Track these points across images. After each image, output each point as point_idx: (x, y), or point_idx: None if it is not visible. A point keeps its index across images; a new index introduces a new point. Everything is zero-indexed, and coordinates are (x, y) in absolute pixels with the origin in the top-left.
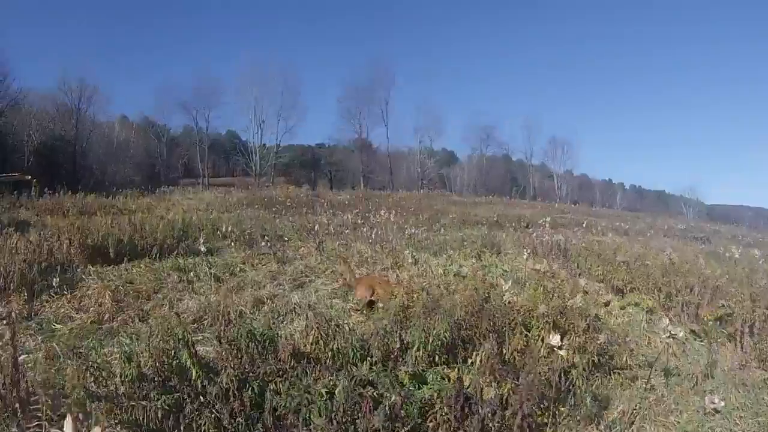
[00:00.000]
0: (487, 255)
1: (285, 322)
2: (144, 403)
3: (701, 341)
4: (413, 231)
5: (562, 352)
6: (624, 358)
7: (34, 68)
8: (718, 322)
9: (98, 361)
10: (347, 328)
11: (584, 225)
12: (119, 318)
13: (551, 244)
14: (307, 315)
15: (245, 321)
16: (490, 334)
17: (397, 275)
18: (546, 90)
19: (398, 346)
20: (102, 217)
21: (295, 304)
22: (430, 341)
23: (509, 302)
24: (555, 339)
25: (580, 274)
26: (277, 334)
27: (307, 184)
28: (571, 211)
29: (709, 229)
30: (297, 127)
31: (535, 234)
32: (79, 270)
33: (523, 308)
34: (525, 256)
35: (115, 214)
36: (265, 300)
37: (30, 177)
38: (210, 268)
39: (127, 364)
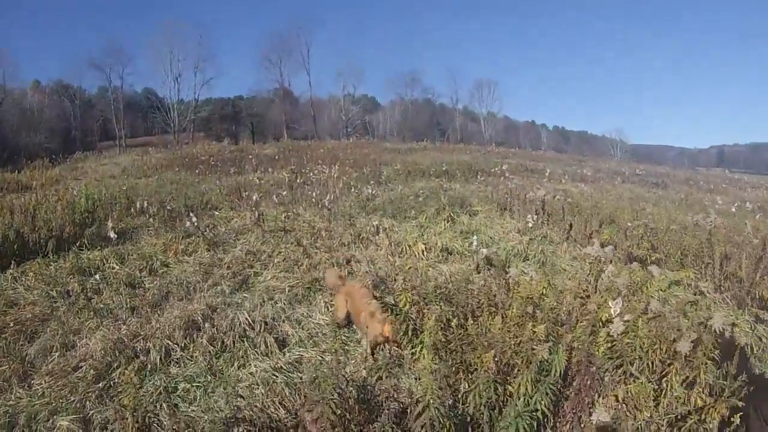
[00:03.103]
0: (462, 216)
1: (236, 364)
2: None
3: None
4: (365, 189)
5: None
6: None
7: None
8: None
9: None
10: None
11: (548, 173)
12: None
13: (531, 200)
14: (266, 341)
15: (176, 366)
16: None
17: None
18: (468, 32)
19: None
20: None
21: (245, 323)
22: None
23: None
24: None
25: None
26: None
27: (228, 138)
28: (512, 155)
29: (657, 173)
30: (216, 79)
31: (502, 186)
32: None
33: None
34: (530, 223)
35: (15, 192)
36: (201, 321)
37: None
38: (122, 265)
39: None
